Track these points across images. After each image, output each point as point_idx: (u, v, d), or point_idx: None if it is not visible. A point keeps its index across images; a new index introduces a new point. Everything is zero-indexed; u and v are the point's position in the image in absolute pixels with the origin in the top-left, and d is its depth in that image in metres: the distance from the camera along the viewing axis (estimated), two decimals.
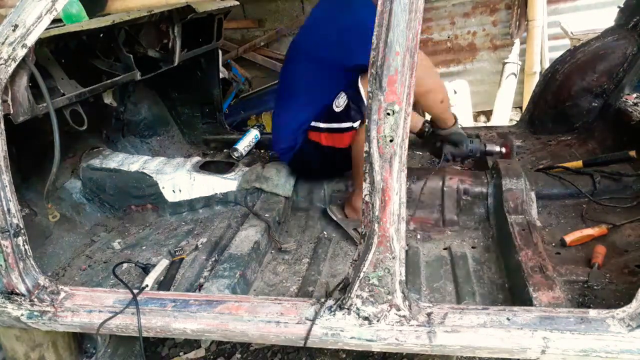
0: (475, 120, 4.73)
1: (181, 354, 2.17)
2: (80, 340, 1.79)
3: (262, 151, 2.93)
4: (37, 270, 1.51)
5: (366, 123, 1.18)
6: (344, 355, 2.05)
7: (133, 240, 2.25)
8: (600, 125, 2.54)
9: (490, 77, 4.74)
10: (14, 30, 1.34)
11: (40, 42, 1.76)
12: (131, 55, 2.33)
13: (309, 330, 1.31)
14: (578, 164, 2.22)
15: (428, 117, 2.42)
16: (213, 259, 1.94)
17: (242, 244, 1.92)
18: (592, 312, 1.23)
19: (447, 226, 2.10)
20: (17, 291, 1.49)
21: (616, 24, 2.53)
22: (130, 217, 2.46)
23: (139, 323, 1.42)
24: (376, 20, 1.13)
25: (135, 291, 1.51)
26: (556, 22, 4.29)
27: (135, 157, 2.57)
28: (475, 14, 4.62)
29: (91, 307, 1.50)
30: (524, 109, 3.41)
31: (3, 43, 1.35)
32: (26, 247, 1.48)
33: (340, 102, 2.01)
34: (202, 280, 1.81)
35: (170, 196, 2.39)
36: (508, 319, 1.25)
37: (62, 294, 1.53)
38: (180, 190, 2.38)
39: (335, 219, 2.16)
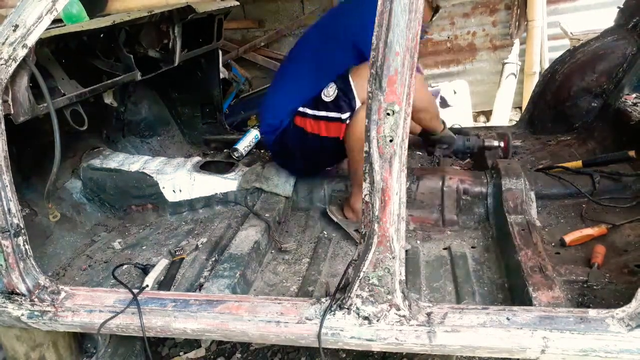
0: (475, 120, 4.73)
1: (181, 353, 2.18)
2: (81, 340, 1.79)
3: (262, 151, 2.93)
4: (37, 270, 1.51)
5: (366, 123, 1.18)
6: (344, 355, 2.05)
7: (133, 240, 2.25)
8: (599, 125, 2.54)
9: (490, 77, 4.75)
10: (14, 31, 1.35)
11: (40, 42, 1.76)
12: (131, 56, 2.33)
13: (319, 329, 1.31)
14: (578, 164, 2.22)
15: None
16: (213, 258, 1.95)
17: (242, 244, 1.93)
18: (592, 312, 1.23)
19: (447, 226, 2.10)
20: (18, 291, 1.50)
21: (616, 24, 2.54)
22: (130, 217, 2.46)
23: (141, 323, 1.42)
24: (376, 20, 1.13)
25: (136, 291, 1.51)
26: (556, 23, 4.29)
27: (136, 157, 2.58)
28: (475, 14, 4.62)
29: (91, 307, 1.50)
30: (523, 109, 3.41)
31: (3, 43, 1.35)
32: (26, 247, 1.48)
33: (329, 92, 2.03)
34: (202, 280, 1.81)
35: (170, 196, 2.40)
36: (508, 318, 1.26)
37: (63, 294, 1.53)
38: (180, 190, 2.39)
39: (335, 219, 2.16)
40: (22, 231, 1.46)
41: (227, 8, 2.98)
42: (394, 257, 1.24)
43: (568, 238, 1.79)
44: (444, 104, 4.24)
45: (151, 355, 1.63)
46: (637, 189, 2.02)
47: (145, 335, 1.44)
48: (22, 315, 1.51)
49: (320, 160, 2.27)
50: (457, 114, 4.16)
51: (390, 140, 1.16)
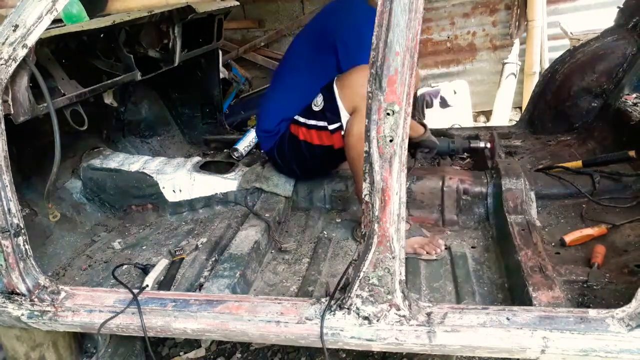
0: (475, 120, 4.73)
1: (181, 353, 2.18)
2: (81, 340, 1.79)
3: (262, 151, 2.93)
4: (37, 270, 1.51)
5: (366, 123, 1.18)
6: (344, 355, 2.05)
7: (133, 240, 2.25)
8: (599, 125, 2.54)
9: (490, 77, 4.74)
10: (14, 31, 1.35)
11: (40, 43, 1.76)
12: (131, 56, 2.33)
13: (321, 329, 1.31)
14: (578, 164, 2.22)
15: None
16: (213, 258, 1.95)
17: (242, 244, 1.93)
18: (592, 312, 1.23)
19: (447, 226, 2.10)
20: (18, 291, 1.49)
21: (616, 24, 2.53)
22: (130, 217, 2.46)
23: (142, 323, 1.42)
24: (376, 20, 1.13)
25: (136, 291, 1.51)
26: (556, 22, 4.29)
27: (136, 157, 2.58)
28: (475, 14, 4.62)
29: (92, 307, 1.50)
30: (523, 109, 3.41)
31: (3, 43, 1.35)
32: (26, 247, 1.48)
33: (318, 101, 2.04)
34: (202, 280, 1.81)
35: (170, 196, 2.40)
36: (508, 318, 1.25)
37: (63, 294, 1.53)
38: (180, 190, 2.39)
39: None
40: (22, 231, 1.46)
41: (227, 8, 2.98)
42: (394, 257, 1.24)
43: (568, 238, 1.79)
44: (444, 104, 4.24)
45: (152, 355, 1.62)
46: (637, 189, 2.02)
47: (146, 335, 1.44)
48: (22, 315, 1.51)
49: (314, 167, 2.27)
50: (457, 114, 4.16)
51: (390, 140, 1.16)
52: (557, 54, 2.87)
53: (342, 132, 1.97)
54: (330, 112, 1.98)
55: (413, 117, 2.81)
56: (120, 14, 2.32)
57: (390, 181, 1.18)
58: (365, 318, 1.29)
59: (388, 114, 1.14)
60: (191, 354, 2.17)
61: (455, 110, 4.22)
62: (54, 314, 1.50)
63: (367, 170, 1.20)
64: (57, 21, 2.04)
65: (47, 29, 1.41)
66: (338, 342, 1.33)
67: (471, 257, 1.88)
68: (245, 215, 2.22)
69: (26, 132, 1.84)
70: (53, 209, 2.22)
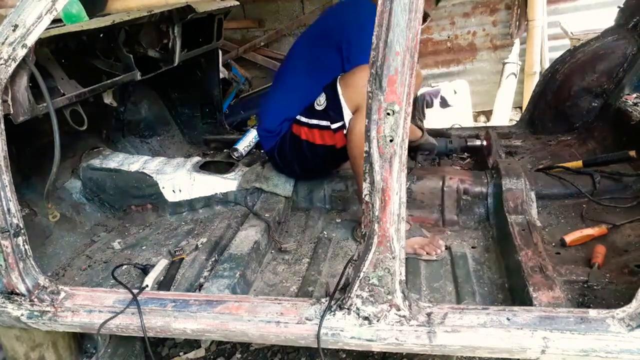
0: (475, 120, 4.73)
1: (181, 354, 2.17)
2: (81, 340, 1.79)
3: (262, 151, 2.92)
4: (37, 270, 1.51)
5: (366, 123, 1.18)
6: (344, 355, 2.05)
7: (133, 240, 2.25)
8: (600, 125, 2.54)
9: (490, 77, 4.74)
10: (14, 30, 1.34)
11: (40, 42, 1.76)
12: (131, 55, 2.33)
13: (319, 329, 1.30)
14: (578, 164, 2.22)
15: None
16: (213, 259, 1.94)
17: (242, 244, 1.92)
18: (592, 312, 1.23)
19: (447, 226, 2.10)
20: (17, 291, 1.49)
21: (616, 24, 2.53)
22: (130, 217, 2.46)
23: (142, 323, 1.42)
24: (376, 20, 1.13)
25: (135, 291, 1.51)
26: (556, 22, 4.29)
27: (135, 157, 2.57)
28: (475, 14, 4.62)
29: (91, 307, 1.49)
30: (524, 109, 3.41)
31: (3, 43, 1.35)
32: (26, 247, 1.48)
33: (320, 101, 2.04)
34: (202, 280, 1.81)
35: (170, 196, 2.40)
36: (508, 319, 1.25)
37: (62, 294, 1.53)
38: (180, 190, 2.38)
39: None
40: (22, 231, 1.46)
41: (227, 8, 2.98)
42: (394, 257, 1.24)
43: (568, 238, 1.79)
44: (444, 103, 4.24)
45: (152, 355, 1.62)
46: (637, 189, 2.02)
47: (146, 335, 1.44)
48: (22, 315, 1.50)
49: (316, 167, 2.27)
50: (458, 114, 4.16)
51: (391, 140, 1.16)
52: (557, 54, 2.87)
53: (345, 131, 1.97)
54: (333, 111, 1.99)
55: (413, 118, 2.85)
56: (119, 14, 2.32)
57: (390, 181, 1.18)
58: (366, 318, 1.29)
59: (388, 113, 1.14)
60: (191, 354, 2.17)
61: (455, 110, 4.22)
62: (54, 314, 1.50)
63: (367, 170, 1.20)
64: (56, 21, 2.04)
65: (46, 28, 1.41)
66: (338, 342, 1.33)
67: (471, 257, 1.88)
68: (245, 215, 2.22)
69: (26, 132, 1.84)
70: (53, 209, 2.22)
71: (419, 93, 4.13)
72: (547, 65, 4.32)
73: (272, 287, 1.83)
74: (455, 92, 4.28)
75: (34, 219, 2.16)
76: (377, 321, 1.28)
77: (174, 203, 2.41)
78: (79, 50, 2.24)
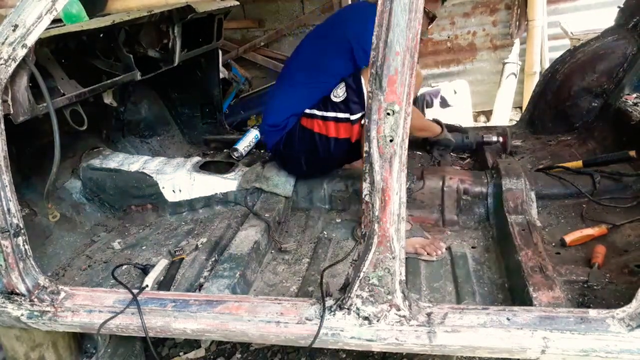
0: (475, 120, 4.74)
1: (181, 354, 2.17)
2: (80, 340, 1.79)
3: (262, 151, 2.93)
4: (37, 270, 1.51)
5: (366, 123, 1.18)
6: (344, 355, 2.05)
7: (133, 240, 2.25)
8: (600, 125, 2.54)
9: (490, 77, 4.75)
10: (14, 30, 1.35)
11: (40, 42, 1.76)
12: (131, 55, 2.33)
13: (318, 329, 1.30)
14: (578, 164, 2.22)
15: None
16: (213, 259, 1.94)
17: (242, 244, 1.92)
18: (592, 312, 1.23)
19: (447, 226, 2.10)
20: (17, 291, 1.49)
21: (616, 24, 2.53)
22: (130, 217, 2.46)
23: (142, 323, 1.42)
24: (376, 20, 1.13)
25: (135, 291, 1.51)
26: (556, 22, 4.29)
27: (135, 157, 2.57)
28: (475, 14, 4.62)
29: (91, 307, 1.49)
30: (524, 109, 3.41)
31: (3, 43, 1.35)
32: (26, 247, 1.48)
33: (339, 93, 2.04)
34: (202, 280, 1.81)
35: (170, 196, 2.39)
36: (508, 319, 1.25)
37: (62, 294, 1.53)
38: (180, 190, 2.38)
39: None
40: (22, 231, 1.46)
41: (227, 8, 2.98)
42: (394, 257, 1.24)
43: (568, 238, 1.79)
44: (444, 103, 4.24)
45: (155, 355, 1.62)
46: (637, 189, 2.02)
47: (147, 335, 1.44)
48: (22, 315, 1.50)
49: (323, 162, 2.25)
50: (458, 114, 4.17)
51: (391, 140, 1.16)
52: (557, 54, 2.87)
53: (364, 121, 1.99)
54: (354, 102, 2.00)
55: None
56: (119, 14, 2.32)
57: (390, 181, 1.18)
58: (366, 318, 1.29)
59: (388, 113, 1.14)
60: (191, 354, 2.17)
61: (455, 110, 4.22)
62: (54, 314, 1.50)
63: (367, 170, 1.20)
64: (56, 21, 2.04)
65: (46, 28, 1.41)
66: (338, 342, 1.33)
67: (471, 257, 1.87)
68: (245, 215, 2.22)
69: (26, 132, 1.84)
70: (53, 209, 2.22)
71: (419, 93, 4.14)
72: (547, 65, 4.32)
73: (272, 287, 1.83)
74: (455, 92, 4.29)
75: (34, 219, 2.16)
76: (377, 321, 1.28)
77: (174, 203, 2.41)
78: (79, 50, 2.24)
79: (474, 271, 1.79)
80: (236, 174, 2.43)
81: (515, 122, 3.09)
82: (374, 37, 1.14)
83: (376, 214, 1.20)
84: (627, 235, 1.78)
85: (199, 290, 1.74)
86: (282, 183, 2.32)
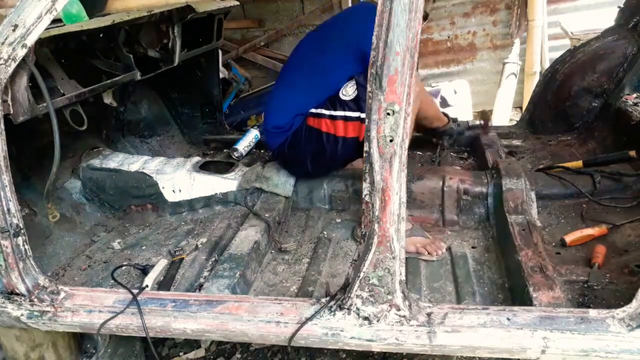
0: (476, 120, 4.73)
1: (181, 354, 2.17)
2: (80, 340, 1.79)
3: (262, 151, 2.93)
4: (37, 270, 1.51)
5: (366, 123, 1.18)
6: (344, 355, 2.05)
7: (133, 240, 2.25)
8: (600, 125, 2.54)
9: (490, 77, 4.75)
10: (14, 30, 1.35)
11: (40, 42, 1.76)
12: (131, 55, 2.33)
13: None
14: (578, 164, 2.22)
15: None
16: (213, 259, 1.94)
17: (242, 244, 1.92)
18: (592, 312, 1.23)
19: (447, 226, 2.10)
20: (17, 291, 1.49)
21: (616, 24, 2.53)
22: (130, 217, 2.46)
23: (143, 323, 1.42)
24: (376, 20, 1.13)
25: (135, 291, 1.51)
26: (556, 22, 4.29)
27: (135, 157, 2.57)
28: (475, 14, 4.62)
29: (91, 307, 1.50)
30: (524, 109, 3.41)
31: (3, 43, 1.35)
32: (26, 247, 1.48)
33: (348, 91, 2.02)
34: (202, 280, 1.81)
35: (170, 196, 2.39)
36: (508, 319, 1.25)
37: (62, 294, 1.53)
38: (180, 190, 2.38)
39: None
40: (22, 231, 1.46)
41: (227, 8, 2.98)
42: (394, 257, 1.24)
43: (568, 238, 1.79)
44: (445, 103, 4.24)
45: (155, 355, 1.62)
46: (637, 189, 2.02)
47: (147, 335, 1.44)
48: (22, 315, 1.50)
49: (329, 162, 2.23)
50: (458, 114, 4.16)
51: (391, 140, 1.16)
52: (557, 54, 2.87)
53: None
54: (364, 100, 1.98)
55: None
56: (119, 14, 2.31)
57: (390, 181, 1.18)
58: (366, 318, 1.29)
59: (388, 113, 1.14)
60: (191, 355, 2.17)
61: (455, 109, 4.22)
62: (54, 314, 1.50)
63: (367, 170, 1.20)
64: (56, 21, 2.04)
65: (46, 28, 1.41)
66: (338, 342, 1.33)
67: (471, 257, 1.87)
68: (245, 215, 2.22)
69: (26, 132, 1.84)
70: (53, 209, 2.22)
71: None
72: (547, 65, 4.32)
73: (272, 287, 1.83)
74: (455, 92, 4.29)
75: (34, 219, 2.16)
76: (377, 321, 1.28)
77: (173, 203, 2.41)
78: (79, 50, 2.24)
79: (474, 271, 1.79)
80: (236, 174, 2.43)
81: (516, 122, 3.09)
82: (374, 37, 1.14)
83: (376, 214, 1.20)
84: (627, 235, 1.78)
85: (199, 290, 1.73)
86: (282, 183, 2.32)
